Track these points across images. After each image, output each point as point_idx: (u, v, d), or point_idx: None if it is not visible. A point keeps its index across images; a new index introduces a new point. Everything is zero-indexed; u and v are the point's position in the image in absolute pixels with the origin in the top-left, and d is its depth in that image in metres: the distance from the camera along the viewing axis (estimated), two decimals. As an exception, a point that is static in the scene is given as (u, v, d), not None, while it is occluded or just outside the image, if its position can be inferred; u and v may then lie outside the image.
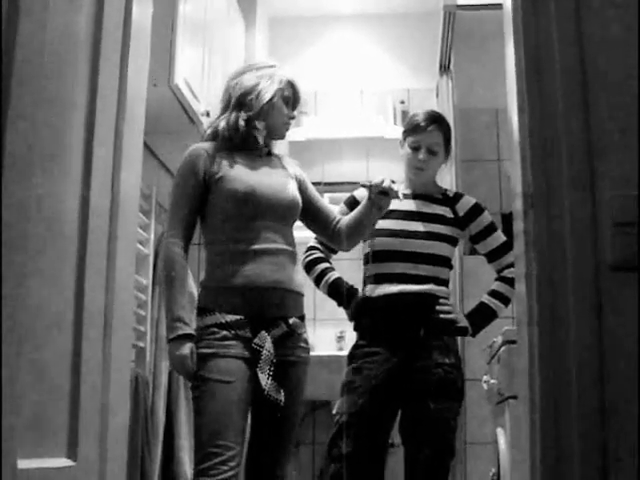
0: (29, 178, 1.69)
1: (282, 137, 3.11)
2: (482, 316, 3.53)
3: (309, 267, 3.57)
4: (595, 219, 1.76)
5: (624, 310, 1.73)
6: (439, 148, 3.53)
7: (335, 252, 3.59)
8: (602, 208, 1.76)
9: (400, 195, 2.95)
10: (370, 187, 2.95)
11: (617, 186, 1.78)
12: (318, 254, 3.58)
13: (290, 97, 3.07)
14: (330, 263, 3.60)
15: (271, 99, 3.00)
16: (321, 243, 3.57)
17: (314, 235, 3.46)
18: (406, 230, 3.46)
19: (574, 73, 1.83)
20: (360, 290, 3.54)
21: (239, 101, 3.01)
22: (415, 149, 3.52)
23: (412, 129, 3.55)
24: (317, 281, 3.57)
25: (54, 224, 1.87)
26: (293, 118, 3.10)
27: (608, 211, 1.75)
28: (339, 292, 3.51)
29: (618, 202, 1.76)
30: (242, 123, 2.98)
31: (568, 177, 1.79)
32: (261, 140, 3.02)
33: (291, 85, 3.08)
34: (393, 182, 2.94)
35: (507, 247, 3.51)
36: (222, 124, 3.01)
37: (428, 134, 3.51)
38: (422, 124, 3.52)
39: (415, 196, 3.57)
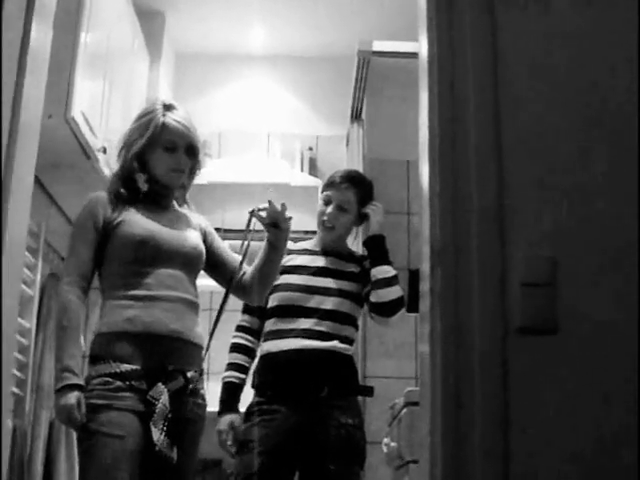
0: None
1: (172, 186, 3.06)
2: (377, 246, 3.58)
3: (231, 349, 3.58)
4: (504, 279, 1.78)
5: (530, 375, 1.75)
6: (349, 207, 3.57)
7: (259, 337, 3.58)
8: (512, 268, 1.78)
9: (286, 214, 2.95)
10: (253, 211, 2.95)
11: (528, 246, 1.81)
12: (243, 341, 3.58)
13: (175, 141, 2.98)
14: (252, 353, 3.59)
15: (139, 151, 2.97)
16: (247, 329, 3.58)
17: (220, 286, 3.40)
18: (314, 286, 3.48)
19: (489, 127, 1.86)
20: (260, 346, 3.55)
21: (118, 156, 3.04)
22: (326, 203, 3.58)
23: (327, 184, 3.64)
24: (226, 367, 3.56)
25: None
26: (180, 165, 3.00)
27: (517, 271, 1.78)
28: (228, 393, 3.52)
29: (528, 262, 1.79)
30: (115, 180, 3.02)
31: (478, 235, 1.81)
32: (141, 187, 3.00)
33: (168, 129, 2.98)
34: (283, 206, 2.93)
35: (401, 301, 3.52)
36: (110, 178, 3.07)
37: (340, 191, 3.56)
38: (337, 180, 3.59)
39: (325, 252, 3.60)
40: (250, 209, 2.98)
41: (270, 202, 2.93)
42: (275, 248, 3.02)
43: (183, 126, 3.00)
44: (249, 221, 2.99)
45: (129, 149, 3.00)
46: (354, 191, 3.58)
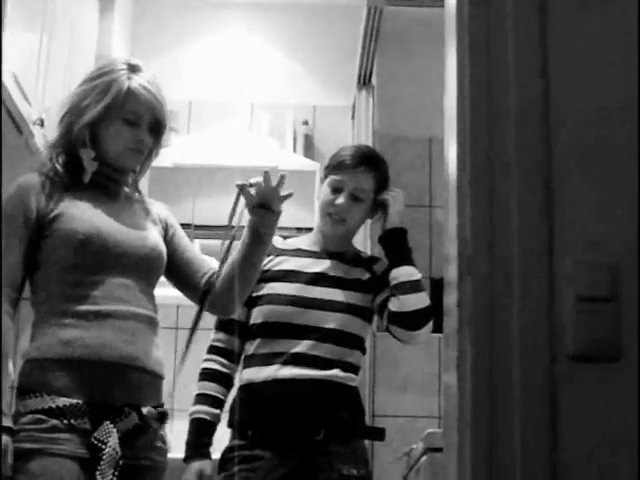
0: None
1: (126, 169, 3.05)
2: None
3: (200, 377, 3.57)
4: (553, 292, 1.77)
5: (585, 412, 1.74)
6: (365, 196, 3.55)
7: (238, 362, 3.56)
8: (563, 278, 1.78)
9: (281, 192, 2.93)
10: (243, 186, 2.91)
11: (583, 250, 1.80)
12: (216, 366, 3.56)
13: (140, 113, 2.97)
14: (228, 382, 3.58)
15: (94, 120, 2.94)
16: (221, 351, 3.56)
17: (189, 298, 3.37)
18: (312, 298, 3.47)
19: (534, 95, 1.85)
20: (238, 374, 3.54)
21: (60, 123, 3.00)
22: (335, 191, 3.54)
23: (335, 166, 3.59)
24: (195, 399, 3.55)
25: None
26: (141, 144, 3.00)
27: (570, 282, 1.77)
28: (198, 433, 3.52)
29: (584, 271, 1.78)
30: (53, 155, 2.99)
31: (518, 236, 1.80)
32: (87, 177, 2.97)
33: (135, 97, 2.96)
34: (282, 177, 2.93)
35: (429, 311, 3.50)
36: (45, 153, 3.03)
37: (354, 175, 3.53)
38: (349, 161, 3.55)
39: (326, 254, 3.59)
40: (239, 182, 2.94)
41: (267, 174, 2.89)
42: (261, 237, 2.98)
43: (151, 94, 2.98)
44: (236, 200, 2.96)
45: (78, 116, 2.95)
46: (371, 175, 3.56)
